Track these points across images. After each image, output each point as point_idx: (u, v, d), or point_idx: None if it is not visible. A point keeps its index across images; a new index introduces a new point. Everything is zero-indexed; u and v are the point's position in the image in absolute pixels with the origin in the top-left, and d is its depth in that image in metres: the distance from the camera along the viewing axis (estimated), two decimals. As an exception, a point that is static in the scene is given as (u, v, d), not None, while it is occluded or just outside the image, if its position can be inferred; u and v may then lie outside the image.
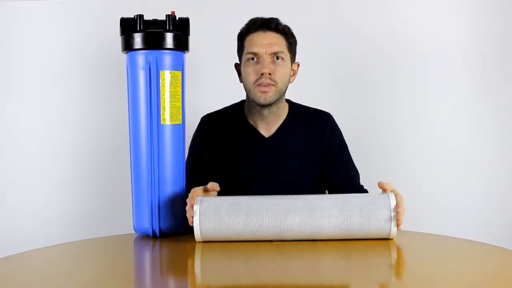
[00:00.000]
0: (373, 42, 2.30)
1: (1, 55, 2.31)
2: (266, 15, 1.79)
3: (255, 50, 1.68)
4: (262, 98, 1.68)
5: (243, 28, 1.75)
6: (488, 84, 2.31)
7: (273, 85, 1.68)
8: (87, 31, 2.30)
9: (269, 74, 1.67)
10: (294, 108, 1.80)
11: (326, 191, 1.82)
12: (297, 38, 1.79)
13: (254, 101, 1.71)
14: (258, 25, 1.71)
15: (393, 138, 2.33)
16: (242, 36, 1.74)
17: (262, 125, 1.76)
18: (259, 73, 1.67)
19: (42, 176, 2.32)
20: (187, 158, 1.75)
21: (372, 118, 2.32)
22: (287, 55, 1.72)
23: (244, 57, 1.72)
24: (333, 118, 1.83)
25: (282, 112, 1.78)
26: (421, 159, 2.33)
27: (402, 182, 2.31)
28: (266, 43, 1.69)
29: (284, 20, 1.77)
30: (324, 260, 1.39)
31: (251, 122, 1.77)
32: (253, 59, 1.69)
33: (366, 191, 1.78)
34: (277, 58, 1.69)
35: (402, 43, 2.30)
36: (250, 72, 1.69)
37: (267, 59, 1.68)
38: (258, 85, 1.68)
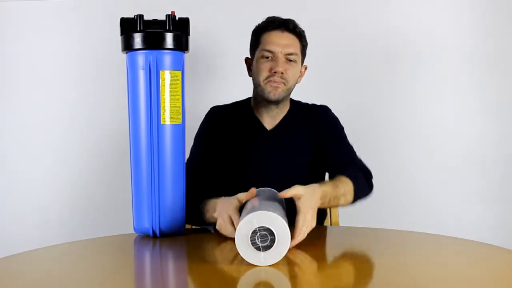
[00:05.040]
0: (372, 41, 2.31)
1: (0, 55, 2.32)
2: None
3: (272, 48, 1.73)
4: (271, 94, 1.74)
5: (260, 24, 1.78)
6: (487, 83, 2.31)
7: (283, 83, 1.73)
8: (87, 31, 2.30)
9: (282, 73, 1.72)
10: (295, 105, 1.86)
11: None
12: None
13: (262, 96, 1.76)
14: (277, 24, 1.75)
15: (393, 137, 2.34)
16: (259, 32, 1.77)
17: (266, 118, 1.81)
18: (272, 70, 1.72)
19: (42, 175, 2.33)
20: (193, 148, 1.80)
21: (371, 117, 2.32)
22: (299, 57, 1.77)
23: (258, 53, 1.75)
24: (329, 110, 1.87)
25: (286, 108, 1.83)
26: (421, 159, 2.33)
27: (401, 182, 2.33)
28: (283, 43, 1.73)
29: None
30: (323, 263, 1.39)
31: (257, 116, 1.82)
32: (267, 57, 1.73)
33: (366, 169, 1.77)
34: (290, 60, 1.74)
35: (402, 42, 2.30)
36: (264, 69, 1.73)
37: (281, 58, 1.73)
38: (269, 81, 1.73)
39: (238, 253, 1.27)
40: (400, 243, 1.54)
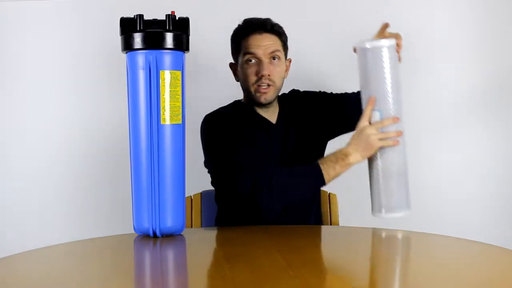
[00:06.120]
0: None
1: (1, 55, 2.31)
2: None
3: (254, 51, 1.74)
4: (262, 98, 1.76)
5: (237, 29, 1.80)
6: (488, 82, 2.31)
7: (271, 85, 1.75)
8: (87, 31, 2.30)
9: (268, 75, 1.73)
10: (280, 99, 1.87)
11: None
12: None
13: (253, 100, 1.77)
14: (254, 27, 1.76)
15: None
16: (238, 38, 1.78)
17: (266, 115, 1.82)
18: (258, 74, 1.74)
19: (42, 175, 2.32)
20: (224, 145, 1.71)
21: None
22: (282, 54, 1.78)
23: (242, 58, 1.76)
24: (299, 90, 1.93)
25: (277, 104, 1.85)
26: (421, 158, 2.33)
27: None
28: (264, 44, 1.74)
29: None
30: (322, 263, 1.39)
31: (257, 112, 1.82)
32: (251, 60, 1.74)
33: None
34: (274, 58, 1.75)
35: (402, 42, 2.30)
36: (249, 74, 1.75)
37: (265, 60, 1.74)
38: (258, 85, 1.74)
39: (237, 253, 1.27)
40: (400, 243, 1.54)
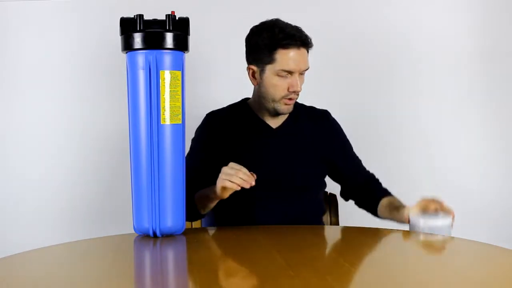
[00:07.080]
0: (372, 41, 2.31)
1: (1, 55, 2.32)
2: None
3: (292, 69, 1.69)
4: (286, 109, 1.75)
5: (274, 36, 1.69)
6: (488, 82, 2.32)
7: (296, 97, 1.75)
8: (87, 31, 2.30)
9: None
10: (295, 105, 1.82)
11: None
12: None
13: (274, 109, 1.75)
14: (294, 40, 1.68)
15: (393, 137, 2.34)
16: (273, 46, 1.69)
17: (270, 119, 1.81)
18: (290, 89, 1.71)
19: (42, 176, 2.32)
20: (189, 154, 1.76)
21: (371, 117, 2.32)
22: None
23: (274, 69, 1.70)
24: (330, 115, 1.90)
25: None
26: (422, 159, 2.33)
27: (402, 182, 2.33)
28: (301, 61, 1.70)
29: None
30: (322, 263, 1.39)
31: (260, 116, 1.81)
32: (284, 74, 1.70)
33: (373, 176, 1.89)
34: (302, 73, 1.73)
35: (402, 42, 2.30)
36: (281, 86, 1.71)
37: (298, 76, 1.71)
38: (287, 99, 1.73)
39: (237, 253, 1.27)
40: (400, 243, 1.54)
